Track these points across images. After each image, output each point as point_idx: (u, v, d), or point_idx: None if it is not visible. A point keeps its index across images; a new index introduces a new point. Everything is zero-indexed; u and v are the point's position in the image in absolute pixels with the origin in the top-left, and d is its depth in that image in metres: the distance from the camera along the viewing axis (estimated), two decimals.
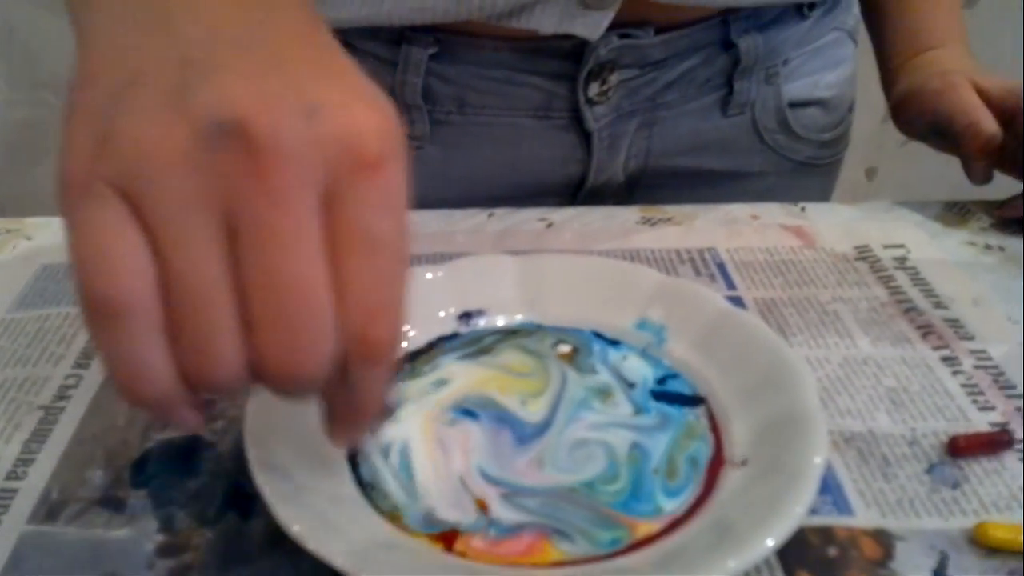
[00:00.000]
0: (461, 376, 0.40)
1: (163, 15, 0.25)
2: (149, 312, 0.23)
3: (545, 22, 0.55)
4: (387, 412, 0.37)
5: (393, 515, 0.33)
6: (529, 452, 0.36)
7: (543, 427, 0.37)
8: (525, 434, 0.37)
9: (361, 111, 0.25)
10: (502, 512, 0.33)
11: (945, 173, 0.66)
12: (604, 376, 0.40)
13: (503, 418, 0.38)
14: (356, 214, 0.24)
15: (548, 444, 0.36)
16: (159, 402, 0.25)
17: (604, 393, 0.39)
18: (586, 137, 0.61)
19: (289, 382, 0.25)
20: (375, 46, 0.58)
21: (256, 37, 0.25)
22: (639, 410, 0.38)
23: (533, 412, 0.38)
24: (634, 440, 0.36)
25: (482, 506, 0.34)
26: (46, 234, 0.55)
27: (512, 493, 0.34)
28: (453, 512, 0.33)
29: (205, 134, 0.23)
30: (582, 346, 0.42)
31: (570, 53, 0.57)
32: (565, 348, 0.41)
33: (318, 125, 0.24)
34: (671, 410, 0.38)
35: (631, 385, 0.40)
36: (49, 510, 0.35)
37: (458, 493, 0.34)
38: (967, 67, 0.61)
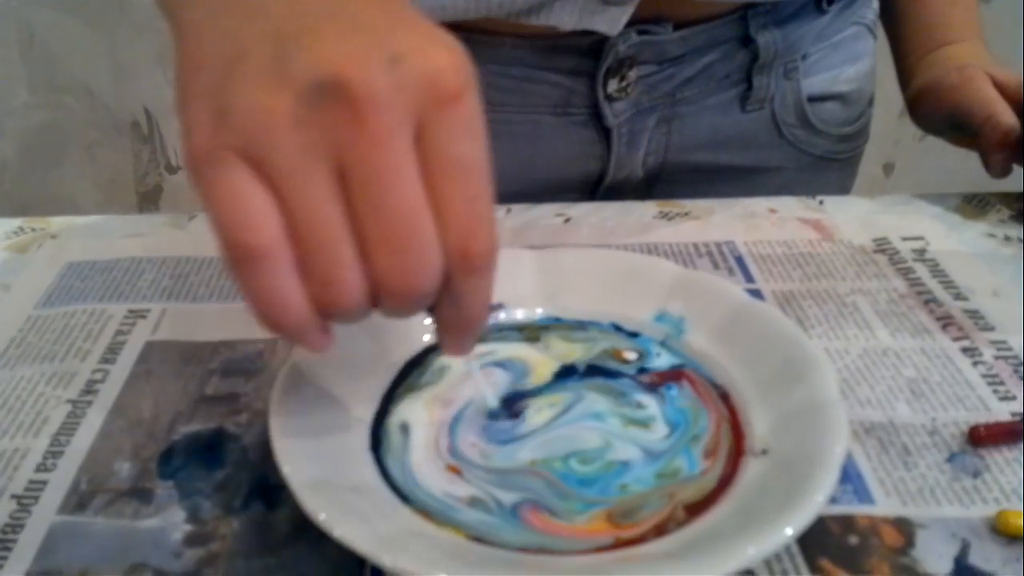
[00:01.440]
0: (513, 351, 0.42)
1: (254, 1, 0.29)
2: (282, 253, 0.27)
3: (564, 19, 0.55)
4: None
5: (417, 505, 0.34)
6: (484, 442, 0.37)
7: (522, 436, 0.37)
8: (504, 436, 0.37)
9: (437, 53, 0.27)
10: (473, 479, 0.35)
11: (963, 168, 0.66)
12: (651, 410, 0.38)
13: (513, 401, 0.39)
14: (443, 141, 0.27)
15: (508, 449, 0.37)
16: (296, 329, 0.28)
17: (641, 423, 0.38)
18: (605, 133, 0.61)
19: (405, 300, 0.28)
20: None
21: (336, 4, 0.28)
22: (673, 428, 0.37)
23: (533, 422, 0.38)
24: (630, 458, 0.36)
25: (453, 470, 0.35)
26: (71, 233, 0.55)
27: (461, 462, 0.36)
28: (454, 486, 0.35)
29: (307, 95, 0.26)
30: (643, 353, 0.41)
31: (589, 50, 0.58)
32: (631, 355, 0.41)
33: (402, 71, 0.27)
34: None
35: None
36: (79, 501, 0.36)
37: (435, 459, 0.36)
38: (984, 62, 0.61)
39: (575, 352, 0.41)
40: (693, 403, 0.38)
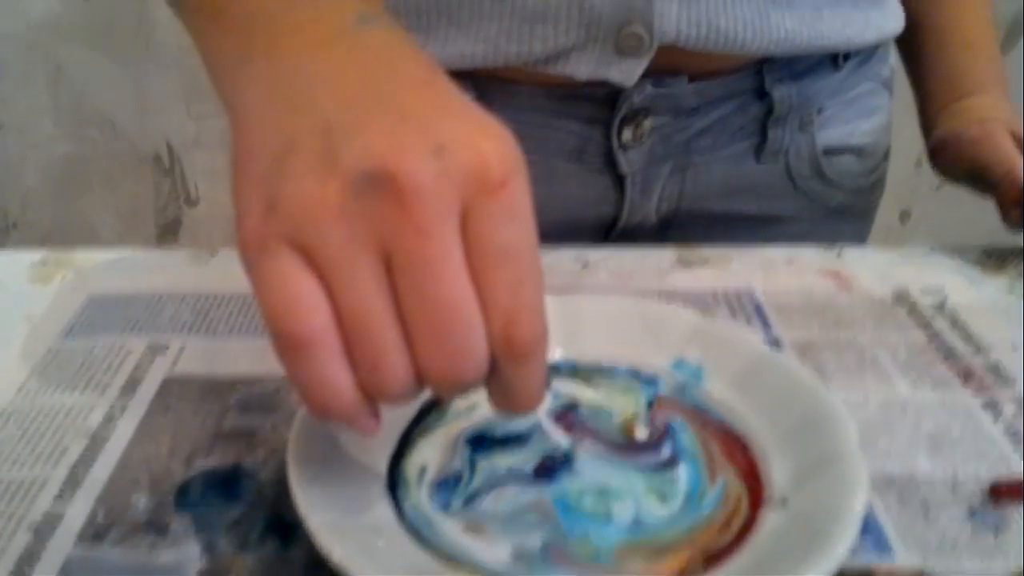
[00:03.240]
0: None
1: (304, 90, 0.30)
2: (329, 341, 0.27)
3: (580, 69, 0.56)
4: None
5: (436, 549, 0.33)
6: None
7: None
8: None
9: (481, 141, 0.28)
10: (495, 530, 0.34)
11: (979, 217, 0.66)
12: (679, 486, 0.37)
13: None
14: (488, 228, 0.28)
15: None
16: (344, 414, 0.29)
17: (661, 496, 0.36)
18: (619, 180, 0.62)
19: (452, 386, 0.29)
20: None
21: (385, 95, 0.29)
22: (690, 499, 0.36)
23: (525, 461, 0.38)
24: (618, 517, 0.35)
25: (474, 528, 0.35)
26: (94, 266, 0.56)
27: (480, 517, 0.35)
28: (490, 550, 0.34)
29: (355, 186, 0.27)
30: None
31: (604, 99, 0.58)
32: (642, 434, 0.39)
33: (447, 160, 0.27)
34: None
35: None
36: (95, 532, 0.36)
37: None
38: (1005, 114, 0.61)
39: (629, 406, 0.41)
40: (689, 433, 0.39)
